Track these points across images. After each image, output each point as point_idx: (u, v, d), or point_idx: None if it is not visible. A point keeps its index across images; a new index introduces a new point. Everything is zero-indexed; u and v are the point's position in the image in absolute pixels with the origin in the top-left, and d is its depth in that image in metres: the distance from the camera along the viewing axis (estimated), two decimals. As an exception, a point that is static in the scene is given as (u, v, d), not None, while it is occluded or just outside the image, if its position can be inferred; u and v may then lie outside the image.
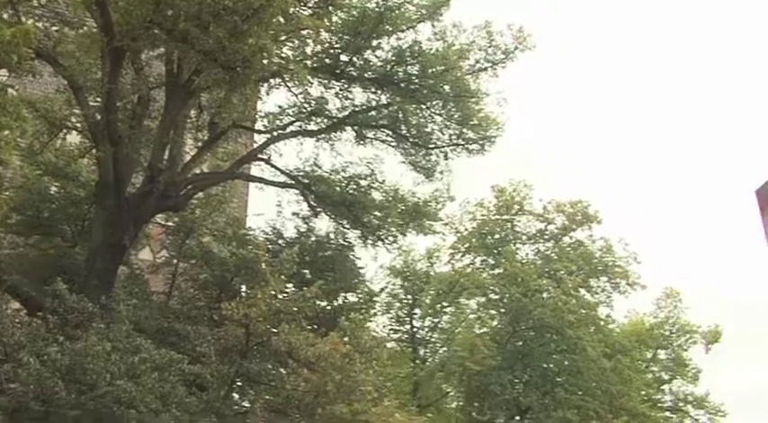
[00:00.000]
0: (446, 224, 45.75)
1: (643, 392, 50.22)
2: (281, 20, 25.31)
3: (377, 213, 35.35)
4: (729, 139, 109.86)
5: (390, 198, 35.43)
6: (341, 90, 34.05)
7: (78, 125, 30.28)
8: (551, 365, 48.21)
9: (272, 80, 30.27)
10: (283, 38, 27.35)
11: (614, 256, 50.00)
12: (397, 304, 49.98)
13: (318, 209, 36.00)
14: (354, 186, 34.97)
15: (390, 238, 36.27)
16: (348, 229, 37.01)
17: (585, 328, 46.71)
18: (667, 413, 53.37)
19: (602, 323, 49.51)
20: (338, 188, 34.75)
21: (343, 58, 33.18)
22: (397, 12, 32.12)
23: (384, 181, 35.50)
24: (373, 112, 35.06)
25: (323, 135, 34.78)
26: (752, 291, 70.97)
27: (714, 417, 53.37)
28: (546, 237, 50.91)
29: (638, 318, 54.80)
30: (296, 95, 33.87)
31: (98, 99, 27.72)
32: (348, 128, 34.93)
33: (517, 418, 47.25)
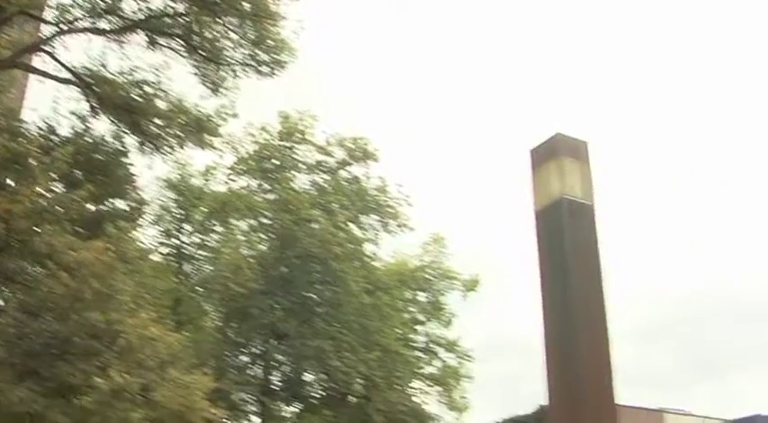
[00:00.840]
0: (227, 143, 45.52)
1: (398, 330, 51.23)
2: None
3: (158, 121, 34.66)
4: (522, 96, 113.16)
5: (174, 108, 34.76)
6: (138, -8, 33.10)
7: None
8: (313, 295, 48.63)
9: (66, -30, 29.14)
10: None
11: (388, 195, 50.58)
12: (168, 217, 49.51)
13: (98, 110, 35.03)
14: (139, 92, 34.12)
15: (168, 149, 35.68)
16: (127, 134, 36.17)
17: (350, 263, 47.33)
18: (419, 353, 54.69)
19: (367, 259, 50.20)
20: (122, 91, 33.82)
21: (145, -42, 32.26)
22: None
23: (169, 91, 34.86)
24: (168, 20, 34.21)
25: (113, 35, 33.73)
26: (512, 244, 73.79)
27: (462, 360, 55.09)
28: (324, 168, 50.97)
29: (403, 258, 55.79)
30: (90, -10, 32.73)
31: None
32: (140, 32, 34.00)
33: (273, 342, 47.63)
